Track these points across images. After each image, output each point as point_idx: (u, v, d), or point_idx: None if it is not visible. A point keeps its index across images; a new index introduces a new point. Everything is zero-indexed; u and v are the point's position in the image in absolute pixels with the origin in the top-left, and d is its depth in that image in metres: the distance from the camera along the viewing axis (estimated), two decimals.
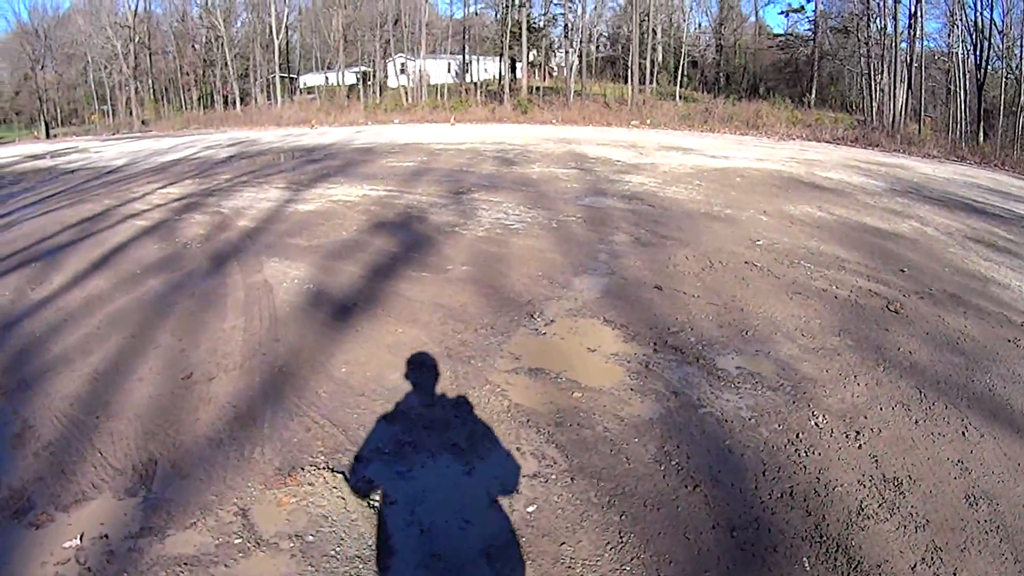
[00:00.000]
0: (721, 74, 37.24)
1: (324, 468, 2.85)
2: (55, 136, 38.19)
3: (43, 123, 40.08)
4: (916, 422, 3.23)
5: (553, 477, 2.78)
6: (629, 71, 30.44)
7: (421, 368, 3.82)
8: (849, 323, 4.51)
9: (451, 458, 2.92)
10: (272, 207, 8.44)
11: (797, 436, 3.09)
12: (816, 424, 3.20)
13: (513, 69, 32.35)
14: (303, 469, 2.85)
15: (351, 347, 4.13)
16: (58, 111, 43.65)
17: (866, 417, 3.25)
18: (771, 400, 3.43)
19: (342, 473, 2.82)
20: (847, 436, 3.08)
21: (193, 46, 38.13)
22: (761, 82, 34.30)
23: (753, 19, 40.06)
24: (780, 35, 37.26)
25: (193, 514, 2.57)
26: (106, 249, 6.89)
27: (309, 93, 36.58)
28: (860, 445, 3.01)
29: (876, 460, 2.90)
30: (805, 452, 2.96)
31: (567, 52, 31.39)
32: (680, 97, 30.34)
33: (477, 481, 2.77)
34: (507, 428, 3.16)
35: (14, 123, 44.88)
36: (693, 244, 6.39)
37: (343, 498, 2.66)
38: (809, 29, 32.86)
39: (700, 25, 39.56)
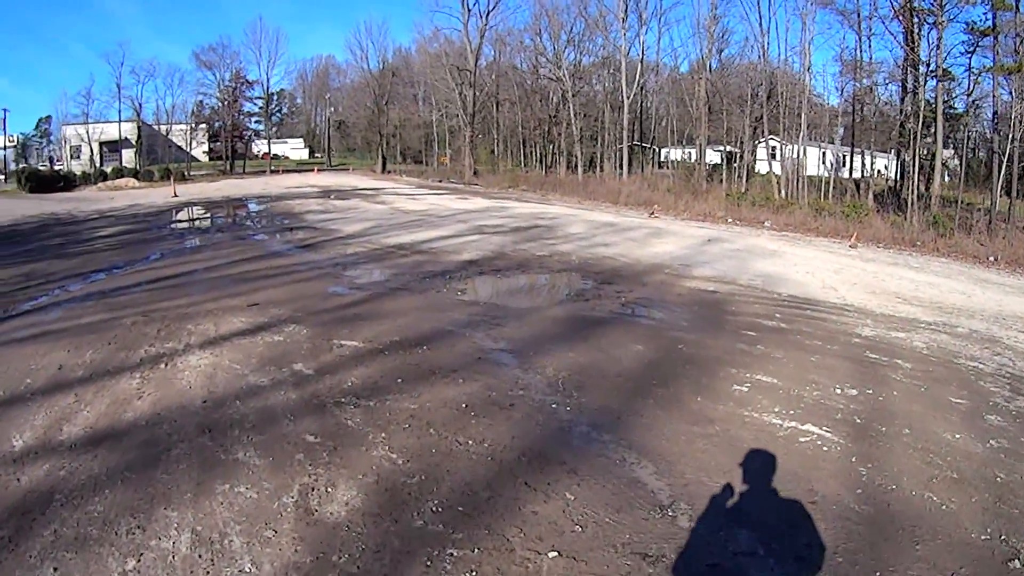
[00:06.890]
0: None
1: None
2: (388, 172, 40.73)
3: (380, 158, 44.66)
4: None
5: None
6: None
7: None
8: None
9: None
10: None
11: None
12: None
13: (920, 168, 22.16)
14: None
15: None
16: (398, 148, 48.45)
17: None
18: None
19: None
20: None
21: (540, 100, 36.76)
22: None
23: None
24: None
25: None
26: None
27: (661, 168, 32.30)
28: None
29: None
30: None
31: (990, 151, 20.98)
32: None
33: None
34: None
35: (365, 154, 51.89)
36: None
37: None
38: None
39: None
